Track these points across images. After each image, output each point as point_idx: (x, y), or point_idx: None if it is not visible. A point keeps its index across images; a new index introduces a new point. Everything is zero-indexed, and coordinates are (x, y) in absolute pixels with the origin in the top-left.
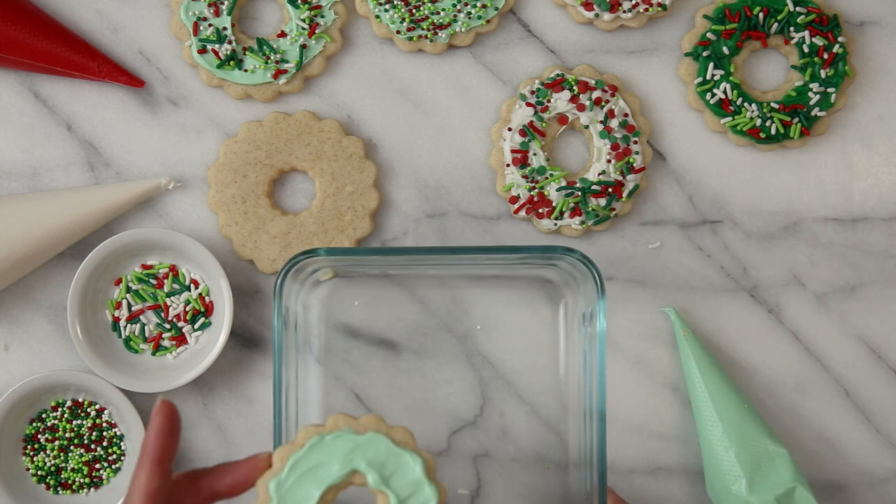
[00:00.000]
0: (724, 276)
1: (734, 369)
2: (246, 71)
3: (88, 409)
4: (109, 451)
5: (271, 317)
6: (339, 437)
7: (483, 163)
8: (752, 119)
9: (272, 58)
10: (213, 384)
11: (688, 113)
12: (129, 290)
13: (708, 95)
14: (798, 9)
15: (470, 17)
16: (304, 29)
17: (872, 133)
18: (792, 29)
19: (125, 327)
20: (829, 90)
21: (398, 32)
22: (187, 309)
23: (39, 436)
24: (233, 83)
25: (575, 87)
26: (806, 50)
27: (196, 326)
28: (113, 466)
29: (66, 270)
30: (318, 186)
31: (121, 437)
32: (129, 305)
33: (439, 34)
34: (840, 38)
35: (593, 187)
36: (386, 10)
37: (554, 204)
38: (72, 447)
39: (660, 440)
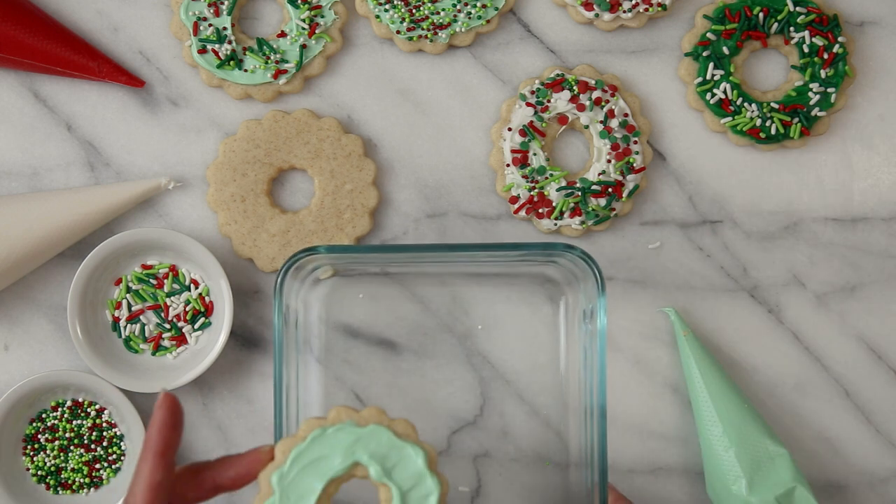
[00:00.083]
0: (724, 276)
1: (734, 369)
2: (246, 71)
3: (88, 409)
4: (109, 451)
5: (271, 316)
6: (340, 430)
7: (483, 163)
8: (752, 119)
9: (272, 58)
10: (213, 384)
11: (688, 113)
12: (129, 290)
13: (708, 95)
14: (798, 9)
15: (470, 17)
16: (304, 29)
17: (872, 133)
18: (792, 29)
19: (125, 327)
20: (829, 90)
21: (398, 32)
22: (187, 309)
23: (39, 436)
24: (233, 83)
25: (575, 87)
26: (806, 50)
27: (196, 326)
28: (113, 466)
29: (66, 270)
30: (318, 185)
31: (121, 437)
32: (129, 305)
33: (439, 34)
34: (840, 38)
35: (593, 187)
36: (386, 10)
37: (554, 204)
38: (72, 447)
39: (660, 440)
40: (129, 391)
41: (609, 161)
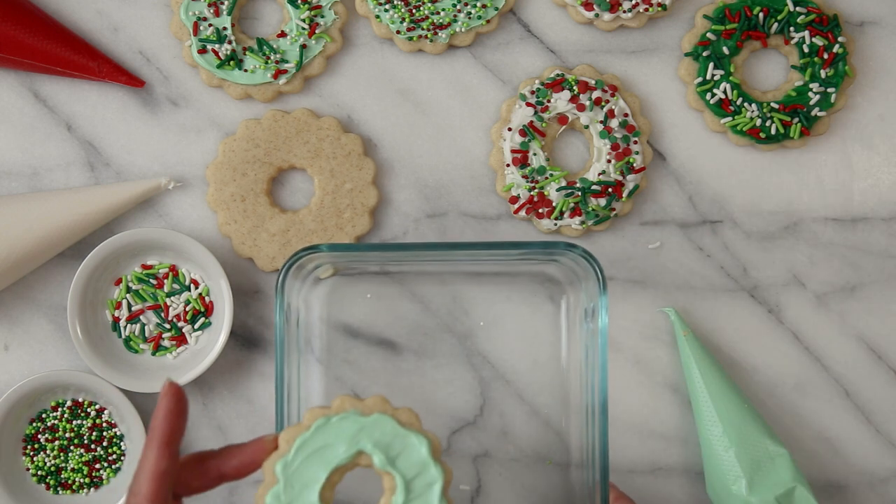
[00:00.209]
0: (724, 276)
1: (734, 369)
2: (246, 71)
3: (88, 409)
4: (109, 451)
5: (271, 316)
6: (344, 419)
7: (483, 163)
8: (752, 119)
9: (272, 58)
10: (213, 384)
11: (688, 113)
12: (129, 290)
13: (708, 95)
14: (798, 9)
15: (470, 17)
16: (304, 29)
17: (872, 133)
18: (792, 29)
19: (125, 327)
20: (829, 90)
21: (398, 32)
22: (187, 309)
23: (39, 436)
24: (233, 83)
25: (575, 87)
26: (806, 50)
27: (196, 326)
28: (113, 466)
29: (66, 270)
30: (317, 184)
31: (121, 437)
32: (129, 305)
33: (439, 34)
34: (840, 38)
35: (593, 187)
36: (386, 10)
37: (554, 204)
38: (72, 447)
39: (660, 440)
40: (129, 391)
41: (609, 161)
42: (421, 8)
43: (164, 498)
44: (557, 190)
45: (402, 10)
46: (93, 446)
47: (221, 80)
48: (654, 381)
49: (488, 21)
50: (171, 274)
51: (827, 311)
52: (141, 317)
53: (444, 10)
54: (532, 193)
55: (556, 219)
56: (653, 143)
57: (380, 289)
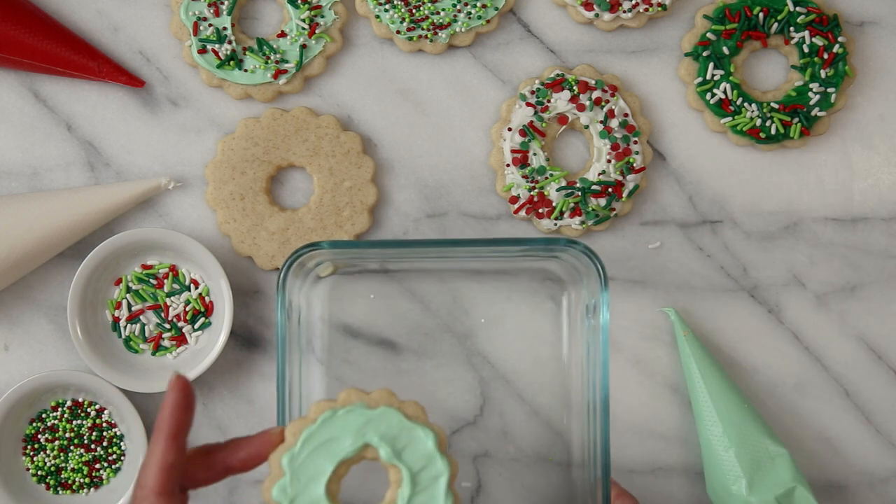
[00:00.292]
0: (724, 276)
1: (734, 369)
2: (246, 71)
3: (88, 409)
4: (109, 451)
5: (271, 316)
6: (351, 412)
7: (483, 163)
8: (752, 119)
9: (272, 58)
10: (213, 384)
11: (688, 113)
12: (129, 290)
13: (708, 95)
14: (798, 9)
15: (470, 17)
16: (304, 29)
17: (872, 133)
18: (792, 29)
19: (125, 327)
20: (829, 90)
21: (398, 32)
22: (187, 309)
23: (39, 436)
24: (233, 83)
25: (575, 87)
26: (806, 50)
27: (196, 326)
28: (113, 466)
29: (66, 270)
30: (316, 182)
31: (121, 437)
32: (129, 305)
33: (439, 34)
34: (840, 38)
35: (593, 187)
36: (386, 10)
37: (554, 204)
38: (72, 447)
39: (660, 440)
40: (129, 391)
41: (609, 161)
42: (421, 8)
43: (172, 490)
44: (557, 190)
45: (402, 10)
46: (93, 446)
47: (221, 80)
48: (654, 381)
49: (488, 21)
50: (171, 274)
51: (827, 311)
52: (141, 317)
53: (444, 10)
54: (532, 193)
55: (556, 219)
56: (653, 143)
57: (380, 288)
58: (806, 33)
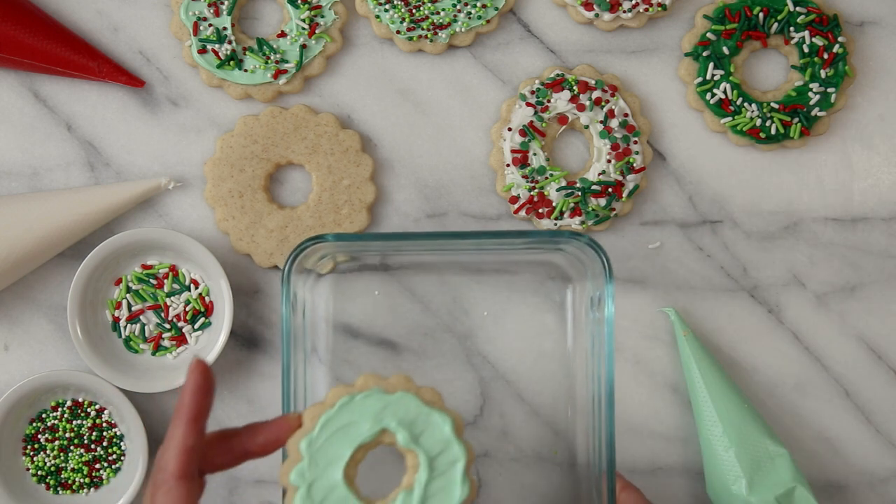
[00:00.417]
0: (724, 276)
1: (734, 369)
2: (246, 71)
3: (88, 409)
4: (109, 451)
5: (271, 316)
6: (368, 397)
7: (483, 163)
8: (752, 119)
9: (272, 58)
10: None
11: (688, 113)
12: (129, 290)
13: (708, 95)
14: (798, 9)
15: (470, 17)
16: (304, 29)
17: (872, 133)
18: (792, 29)
19: (125, 327)
20: (829, 90)
21: (398, 32)
22: (187, 309)
23: (39, 436)
24: (233, 83)
25: (575, 87)
26: (806, 50)
27: (196, 326)
28: (113, 466)
29: (66, 270)
30: (315, 180)
31: (121, 437)
32: (129, 305)
33: (439, 34)
34: (840, 38)
35: (593, 187)
36: (386, 10)
37: (554, 204)
38: (72, 447)
39: (660, 440)
40: (129, 391)
41: (609, 161)
42: (421, 8)
43: (192, 474)
44: (557, 190)
45: (402, 10)
46: (93, 446)
47: (221, 80)
48: (654, 381)
49: (488, 21)
50: (171, 274)
51: (827, 311)
52: (141, 317)
53: (444, 10)
54: (532, 193)
55: (556, 219)
56: (653, 143)
57: (381, 288)
58: (806, 33)
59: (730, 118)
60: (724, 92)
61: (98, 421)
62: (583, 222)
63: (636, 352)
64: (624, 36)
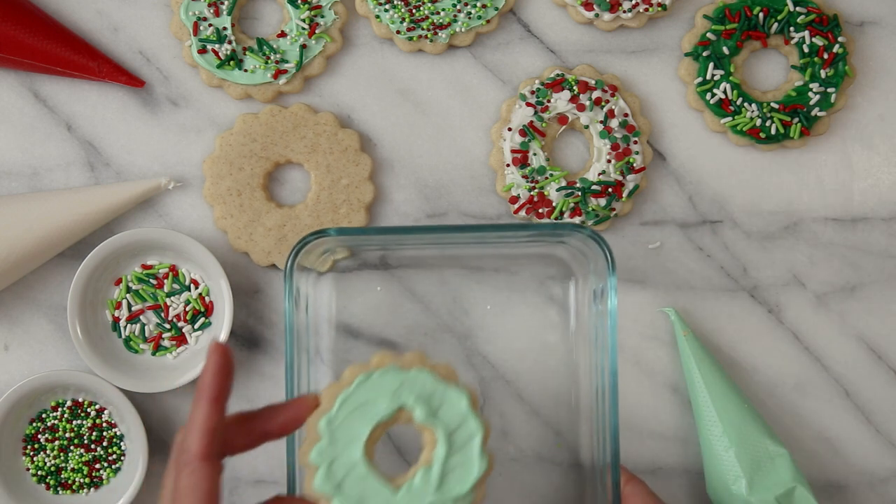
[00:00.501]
0: (724, 276)
1: (734, 369)
2: (246, 71)
3: (88, 409)
4: (109, 451)
5: (271, 316)
6: (385, 374)
7: (483, 163)
8: (752, 119)
9: (272, 58)
10: None
11: (688, 113)
12: (129, 290)
13: (708, 95)
14: (798, 9)
15: (470, 17)
16: (304, 29)
17: (872, 133)
18: (792, 29)
19: (125, 327)
20: (829, 90)
21: (398, 32)
22: (187, 309)
23: (39, 436)
24: (233, 83)
25: (575, 87)
26: (806, 50)
27: (196, 326)
28: (113, 466)
29: (66, 270)
30: (314, 179)
31: (121, 437)
32: (129, 305)
33: (439, 34)
34: (840, 38)
35: (593, 187)
36: (386, 10)
37: (554, 204)
38: (72, 447)
39: (660, 440)
40: (129, 391)
41: (609, 161)
42: (421, 8)
43: (215, 454)
44: (557, 190)
45: (402, 10)
46: (93, 446)
47: (221, 80)
48: (654, 381)
49: (488, 21)
50: (171, 274)
51: (827, 311)
52: (141, 317)
53: (444, 10)
54: (532, 193)
55: (555, 219)
56: (653, 143)
57: (381, 287)
58: (806, 33)
59: (730, 118)
60: (724, 92)
61: (98, 421)
62: (583, 222)
63: (636, 352)
64: (624, 36)
